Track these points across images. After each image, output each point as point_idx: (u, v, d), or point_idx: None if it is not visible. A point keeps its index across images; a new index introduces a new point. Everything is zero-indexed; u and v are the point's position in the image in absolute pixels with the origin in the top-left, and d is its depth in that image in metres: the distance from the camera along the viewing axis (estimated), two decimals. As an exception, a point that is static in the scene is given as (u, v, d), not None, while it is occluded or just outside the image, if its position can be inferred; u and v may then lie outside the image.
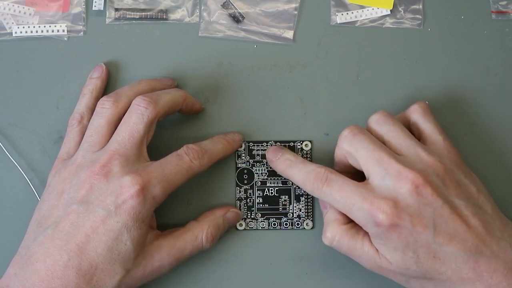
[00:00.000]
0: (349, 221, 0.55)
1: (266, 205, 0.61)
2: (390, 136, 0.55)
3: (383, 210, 0.50)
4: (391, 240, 0.51)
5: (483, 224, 0.51)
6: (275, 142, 0.61)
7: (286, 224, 0.60)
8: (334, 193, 0.53)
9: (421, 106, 0.57)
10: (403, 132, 0.55)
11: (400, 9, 0.62)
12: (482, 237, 0.51)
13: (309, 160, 0.60)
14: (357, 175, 0.55)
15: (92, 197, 0.52)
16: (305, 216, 0.60)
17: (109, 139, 0.55)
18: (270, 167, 0.60)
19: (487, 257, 0.51)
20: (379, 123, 0.56)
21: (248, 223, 0.60)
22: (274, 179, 0.61)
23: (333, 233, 0.55)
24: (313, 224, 0.60)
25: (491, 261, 0.50)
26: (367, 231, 0.53)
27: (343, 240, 0.54)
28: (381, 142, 0.54)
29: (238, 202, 0.61)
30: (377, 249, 0.53)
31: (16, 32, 0.61)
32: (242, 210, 0.60)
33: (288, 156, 0.57)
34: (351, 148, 0.54)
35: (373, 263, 0.53)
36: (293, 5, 0.62)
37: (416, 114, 0.57)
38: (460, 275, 0.51)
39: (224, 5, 0.62)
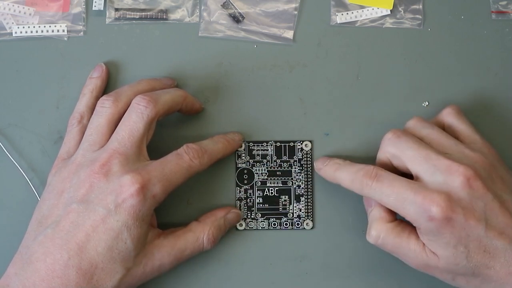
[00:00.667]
0: (394, 219, 0.54)
1: (266, 205, 0.61)
2: (430, 138, 0.55)
3: (437, 204, 0.50)
4: (443, 235, 0.50)
5: None
6: (275, 142, 0.61)
7: (286, 224, 0.60)
8: (385, 188, 0.52)
9: (454, 108, 0.58)
10: (442, 133, 0.55)
11: (400, 9, 0.62)
12: None
13: (309, 161, 0.60)
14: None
15: (92, 196, 0.52)
16: (305, 216, 0.60)
17: (109, 138, 0.55)
18: (270, 167, 0.60)
19: None
20: (417, 128, 0.56)
21: (248, 223, 0.60)
22: (274, 179, 0.61)
23: (378, 231, 0.54)
24: (313, 224, 0.60)
25: None
26: (418, 226, 0.52)
27: (389, 238, 0.53)
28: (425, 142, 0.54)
29: (238, 202, 0.60)
30: (424, 246, 0.52)
31: (16, 32, 0.61)
32: (242, 210, 0.60)
33: (337, 160, 0.57)
34: (396, 150, 0.54)
35: (420, 261, 0.53)
36: (293, 5, 0.62)
37: (450, 117, 0.57)
38: (509, 269, 0.50)
39: (224, 5, 0.62)
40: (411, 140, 0.54)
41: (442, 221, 0.50)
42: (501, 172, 0.54)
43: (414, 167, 0.53)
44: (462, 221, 0.50)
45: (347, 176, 0.55)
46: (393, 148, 0.54)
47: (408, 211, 0.52)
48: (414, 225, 0.52)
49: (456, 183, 0.51)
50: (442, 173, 0.51)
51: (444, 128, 0.58)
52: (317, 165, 0.58)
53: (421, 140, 0.54)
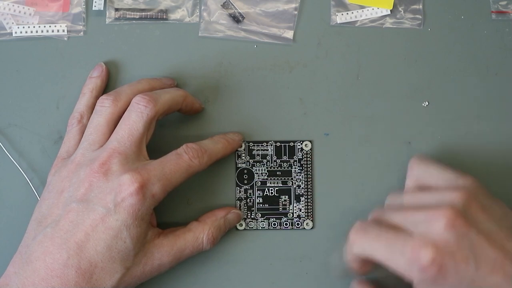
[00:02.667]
0: None
1: (266, 205, 0.61)
2: (408, 203, 0.54)
3: (425, 252, 0.49)
4: (437, 283, 0.49)
5: None
6: (275, 142, 0.61)
7: (286, 224, 0.60)
8: (372, 242, 0.51)
9: (413, 161, 0.56)
10: (414, 194, 0.54)
11: (400, 9, 0.62)
12: None
13: (309, 161, 0.60)
14: None
15: (92, 195, 0.52)
16: (305, 216, 0.60)
17: (109, 137, 0.55)
18: (270, 167, 0.60)
19: None
20: (391, 208, 0.55)
21: (248, 223, 0.60)
22: (274, 179, 0.61)
23: None
24: (313, 224, 0.60)
25: None
26: (411, 278, 0.50)
27: None
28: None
29: (238, 202, 0.60)
30: None
31: (16, 32, 0.61)
32: (242, 210, 0.60)
33: None
34: (369, 244, 0.52)
35: None
36: (293, 5, 0.62)
37: (414, 172, 0.56)
38: None
39: (224, 5, 0.62)
40: (391, 211, 0.53)
41: (434, 269, 0.49)
42: (482, 200, 0.52)
43: (400, 228, 0.52)
44: (452, 265, 0.48)
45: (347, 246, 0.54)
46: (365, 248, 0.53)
47: (398, 263, 0.50)
48: (407, 278, 0.51)
49: (438, 228, 0.49)
50: (423, 223, 0.50)
51: (417, 184, 0.56)
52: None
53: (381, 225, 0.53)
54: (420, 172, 0.56)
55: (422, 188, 0.55)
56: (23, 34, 0.61)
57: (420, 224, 0.50)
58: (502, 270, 0.49)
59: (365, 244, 0.52)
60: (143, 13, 0.62)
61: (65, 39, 0.62)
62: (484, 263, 0.49)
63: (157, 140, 0.58)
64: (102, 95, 0.57)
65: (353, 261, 0.54)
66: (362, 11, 0.62)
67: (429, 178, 0.55)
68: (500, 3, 0.62)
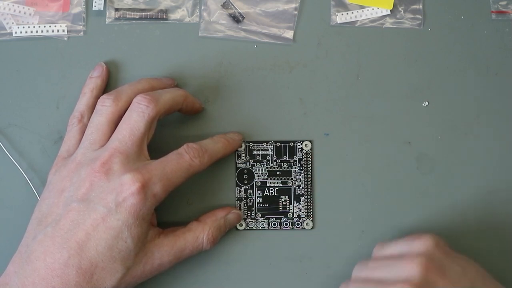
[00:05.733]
0: None
1: (266, 205, 0.61)
2: (370, 278, 0.54)
3: None
4: None
5: None
6: (275, 142, 0.61)
7: (286, 224, 0.60)
8: None
9: (375, 248, 0.57)
10: (372, 268, 0.54)
11: (400, 9, 0.62)
12: None
13: (309, 161, 0.60)
14: None
15: (93, 195, 0.52)
16: (305, 216, 0.60)
17: (110, 137, 0.55)
18: (270, 167, 0.60)
19: None
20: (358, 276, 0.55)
21: (248, 223, 0.60)
22: (274, 179, 0.61)
23: None
24: (313, 224, 0.60)
25: None
26: None
27: None
28: None
29: (238, 202, 0.60)
30: None
31: (16, 32, 0.61)
32: (242, 210, 0.60)
33: None
34: None
35: None
36: (293, 5, 0.62)
37: (375, 252, 0.56)
38: None
39: (224, 5, 0.62)
40: None
41: None
42: (439, 261, 0.52)
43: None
44: None
45: None
46: None
47: None
48: None
49: None
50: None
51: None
52: None
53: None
54: (378, 252, 0.56)
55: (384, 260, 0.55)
56: (23, 34, 0.61)
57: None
58: None
59: None
60: (143, 13, 0.62)
61: (65, 39, 0.62)
62: None
63: (158, 140, 0.58)
64: (102, 94, 0.57)
65: None
66: (362, 11, 0.62)
67: (386, 253, 0.55)
68: (500, 3, 0.62)
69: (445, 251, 0.53)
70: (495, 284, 0.53)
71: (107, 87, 0.61)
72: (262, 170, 0.61)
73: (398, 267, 0.52)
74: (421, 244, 0.53)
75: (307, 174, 0.61)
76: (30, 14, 0.62)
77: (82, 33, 0.62)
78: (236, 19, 0.62)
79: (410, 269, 0.51)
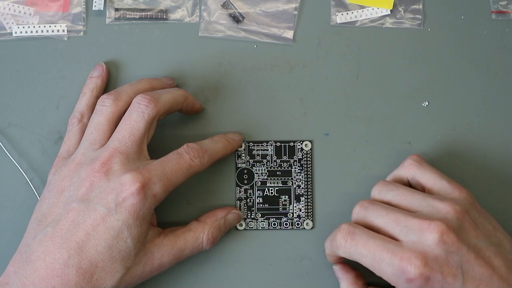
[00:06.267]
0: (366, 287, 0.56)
1: (266, 205, 0.61)
2: (397, 200, 0.54)
3: (415, 265, 0.49)
4: None
5: (505, 264, 0.51)
6: (275, 142, 0.61)
7: (286, 224, 0.60)
8: (360, 248, 0.52)
9: (414, 159, 0.57)
10: (408, 191, 0.54)
11: (400, 9, 0.62)
12: (506, 277, 0.50)
13: (309, 161, 0.61)
14: None
15: (93, 195, 0.52)
16: (305, 216, 0.60)
17: (110, 137, 0.55)
18: (270, 167, 0.60)
19: None
20: (382, 193, 0.55)
21: (248, 223, 0.60)
22: (274, 179, 0.61)
23: None
24: (313, 224, 0.60)
25: None
26: (396, 286, 0.51)
27: None
28: (392, 206, 0.54)
29: (238, 202, 0.60)
30: None
31: (16, 32, 0.61)
32: (242, 210, 0.60)
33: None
34: (367, 221, 0.54)
35: None
36: (293, 5, 0.62)
37: (412, 169, 0.56)
38: None
39: (224, 5, 0.62)
40: (378, 209, 0.53)
41: (420, 281, 0.50)
42: (473, 216, 0.53)
43: (387, 232, 0.52)
44: (439, 279, 0.50)
45: (328, 240, 0.55)
46: (363, 220, 0.54)
47: (385, 272, 0.51)
48: (392, 285, 0.52)
49: (430, 241, 0.50)
50: (415, 232, 0.51)
51: (408, 180, 0.57)
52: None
53: (388, 205, 0.54)
54: (417, 172, 0.56)
55: (415, 186, 0.56)
56: (23, 34, 0.61)
57: (411, 233, 0.51)
58: (488, 286, 0.50)
59: (352, 249, 0.52)
60: (143, 13, 0.62)
61: (65, 39, 0.62)
62: (471, 279, 0.50)
63: (157, 140, 0.58)
64: (102, 94, 0.57)
65: (335, 259, 0.56)
66: (362, 11, 0.62)
67: (424, 180, 0.56)
68: (500, 3, 0.62)
69: (479, 209, 0.54)
70: None
71: (107, 87, 0.61)
72: (262, 170, 0.61)
73: (434, 206, 0.52)
74: (460, 194, 0.54)
75: (307, 174, 0.61)
76: (30, 14, 0.62)
77: (82, 33, 0.62)
78: (236, 19, 0.62)
79: (447, 213, 0.51)
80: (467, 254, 0.50)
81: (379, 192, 0.56)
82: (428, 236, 0.50)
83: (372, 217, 0.53)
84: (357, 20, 0.62)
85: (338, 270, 0.57)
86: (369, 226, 0.53)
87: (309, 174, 0.61)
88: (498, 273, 0.50)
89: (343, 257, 0.54)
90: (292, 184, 0.61)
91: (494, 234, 0.53)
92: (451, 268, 0.50)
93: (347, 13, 0.62)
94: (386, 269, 0.51)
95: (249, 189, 0.61)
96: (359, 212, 0.54)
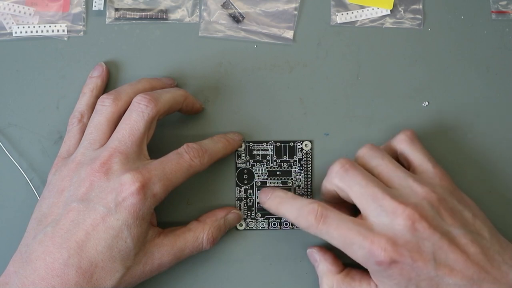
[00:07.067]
0: (343, 269, 0.56)
1: (266, 205, 0.61)
2: (380, 170, 0.54)
3: (384, 248, 0.50)
4: (392, 277, 0.51)
5: (482, 251, 0.51)
6: (275, 142, 0.61)
7: (286, 224, 0.60)
8: (332, 231, 0.52)
9: (408, 135, 0.57)
10: (392, 165, 0.55)
11: (400, 9, 0.62)
12: (482, 264, 0.51)
13: (309, 161, 0.61)
14: (346, 206, 0.55)
15: (92, 194, 0.52)
16: (305, 216, 0.60)
17: (109, 136, 0.55)
18: (270, 167, 0.60)
19: (490, 283, 0.50)
20: (367, 157, 0.55)
21: (248, 223, 0.60)
22: (274, 179, 0.61)
23: (330, 285, 0.56)
24: (313, 224, 0.60)
25: (493, 287, 0.50)
26: (367, 268, 0.52)
27: None
28: (373, 176, 0.54)
29: (238, 202, 0.60)
30: (377, 287, 0.53)
31: (16, 32, 0.61)
32: (242, 210, 0.60)
33: (278, 193, 0.56)
34: (343, 184, 0.54)
35: None
36: (293, 5, 0.62)
37: (403, 144, 0.57)
38: None
39: (224, 5, 0.62)
40: (359, 176, 0.53)
41: (389, 265, 0.50)
42: (452, 204, 0.53)
43: (361, 205, 0.53)
44: (410, 263, 0.50)
45: (291, 212, 0.55)
46: (340, 182, 0.54)
47: (356, 255, 0.52)
48: (364, 266, 0.52)
49: (401, 226, 0.51)
50: (388, 215, 0.51)
51: (397, 154, 0.57)
52: (261, 198, 0.58)
53: (368, 174, 0.54)
54: (407, 148, 0.57)
55: (402, 161, 0.57)
56: (23, 34, 0.61)
57: (384, 214, 0.51)
58: (461, 273, 0.50)
59: (323, 231, 0.52)
60: (143, 13, 0.62)
61: (65, 39, 0.62)
62: (444, 265, 0.50)
63: (157, 140, 0.58)
64: (102, 94, 0.57)
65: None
66: (362, 11, 0.62)
67: (412, 159, 0.56)
68: (500, 3, 0.62)
69: (460, 197, 0.55)
70: (498, 236, 0.54)
71: (107, 87, 0.61)
72: (262, 170, 0.61)
73: (413, 189, 0.53)
74: (442, 180, 0.55)
75: (307, 174, 0.61)
76: (30, 14, 0.62)
77: (82, 33, 0.62)
78: (236, 19, 0.62)
79: (423, 198, 0.52)
80: (439, 241, 0.50)
81: (364, 155, 0.56)
82: (400, 222, 0.51)
83: (350, 183, 0.53)
84: (357, 20, 0.62)
85: (315, 252, 0.58)
86: (344, 191, 0.54)
87: (309, 174, 0.61)
88: (474, 260, 0.51)
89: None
90: (292, 184, 0.61)
91: (472, 222, 0.53)
92: (422, 254, 0.50)
93: (347, 13, 0.62)
94: (357, 252, 0.51)
95: (249, 189, 0.61)
96: (339, 172, 0.54)
